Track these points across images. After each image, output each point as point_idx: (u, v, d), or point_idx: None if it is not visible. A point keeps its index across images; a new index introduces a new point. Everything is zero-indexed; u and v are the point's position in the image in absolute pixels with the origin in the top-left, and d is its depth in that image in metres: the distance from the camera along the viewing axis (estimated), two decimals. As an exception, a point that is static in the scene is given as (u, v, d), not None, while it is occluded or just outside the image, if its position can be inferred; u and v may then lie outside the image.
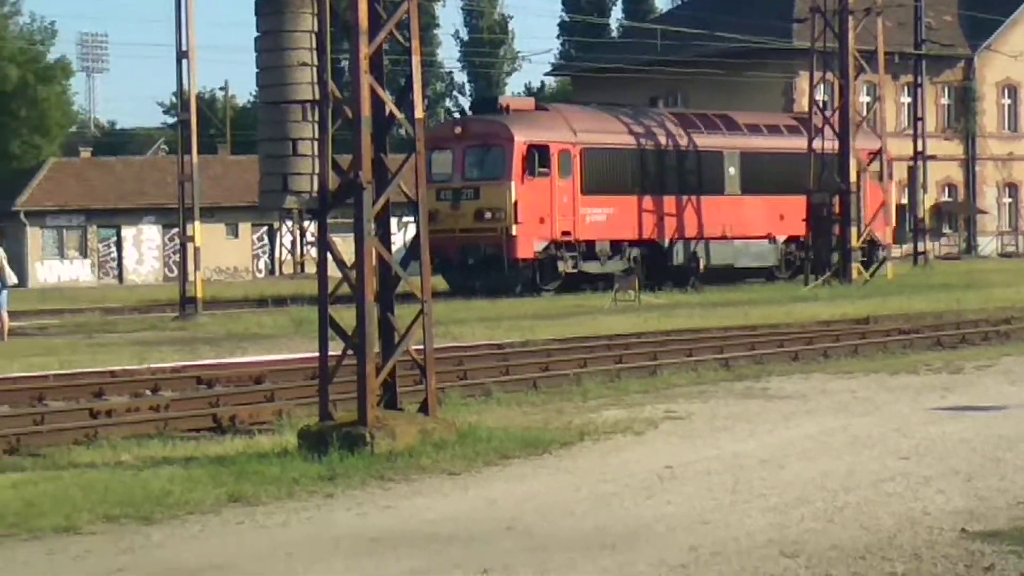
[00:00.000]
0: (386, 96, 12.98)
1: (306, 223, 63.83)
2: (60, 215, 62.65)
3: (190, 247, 32.58)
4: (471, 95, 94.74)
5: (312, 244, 62.67)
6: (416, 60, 13.02)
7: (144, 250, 64.90)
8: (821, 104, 45.97)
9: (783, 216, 44.83)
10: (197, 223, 32.29)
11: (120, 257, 64.56)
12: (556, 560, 8.71)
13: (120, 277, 64.21)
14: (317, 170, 12.89)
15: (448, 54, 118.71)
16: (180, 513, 10.19)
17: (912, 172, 61.25)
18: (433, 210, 39.05)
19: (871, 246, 45.42)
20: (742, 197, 44.72)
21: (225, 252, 64.12)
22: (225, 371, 19.13)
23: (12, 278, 27.32)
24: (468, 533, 9.55)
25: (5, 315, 26.77)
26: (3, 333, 26.49)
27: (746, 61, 60.77)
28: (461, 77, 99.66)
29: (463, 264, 39.49)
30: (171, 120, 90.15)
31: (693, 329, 25.66)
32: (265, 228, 67.53)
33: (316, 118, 12.71)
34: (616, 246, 41.48)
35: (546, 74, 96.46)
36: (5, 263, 27.11)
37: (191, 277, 32.46)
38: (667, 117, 45.16)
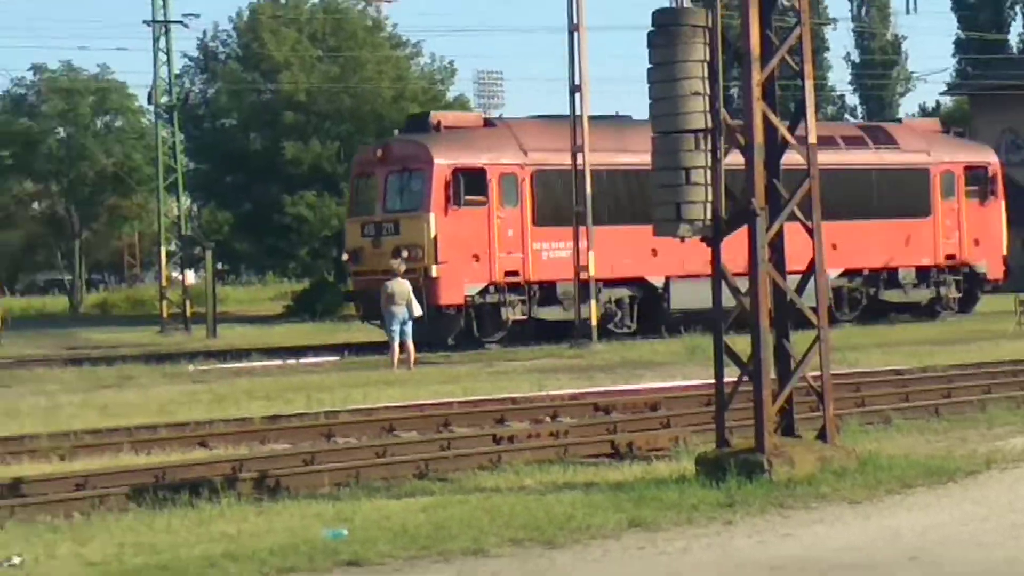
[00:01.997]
0: (778, 122, 12.94)
1: None
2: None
3: (583, 276, 33.00)
4: (863, 118, 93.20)
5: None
6: (809, 84, 12.94)
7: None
8: None
9: (835, 245, 32.48)
10: (591, 254, 32.74)
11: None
12: (964, 592, 8.50)
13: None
14: (710, 198, 12.92)
15: (839, 77, 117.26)
16: (582, 538, 10.38)
17: None
18: (357, 248, 34.48)
19: None
20: None
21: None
22: (621, 398, 19.39)
23: (417, 310, 28.33)
24: (871, 562, 9.41)
25: (411, 345, 27.82)
26: (410, 363, 27.54)
27: None
28: (853, 100, 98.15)
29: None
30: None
31: (1105, 354, 24.52)
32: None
33: (708, 146, 12.72)
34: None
35: (942, 93, 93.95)
36: (412, 295, 28.17)
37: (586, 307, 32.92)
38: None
